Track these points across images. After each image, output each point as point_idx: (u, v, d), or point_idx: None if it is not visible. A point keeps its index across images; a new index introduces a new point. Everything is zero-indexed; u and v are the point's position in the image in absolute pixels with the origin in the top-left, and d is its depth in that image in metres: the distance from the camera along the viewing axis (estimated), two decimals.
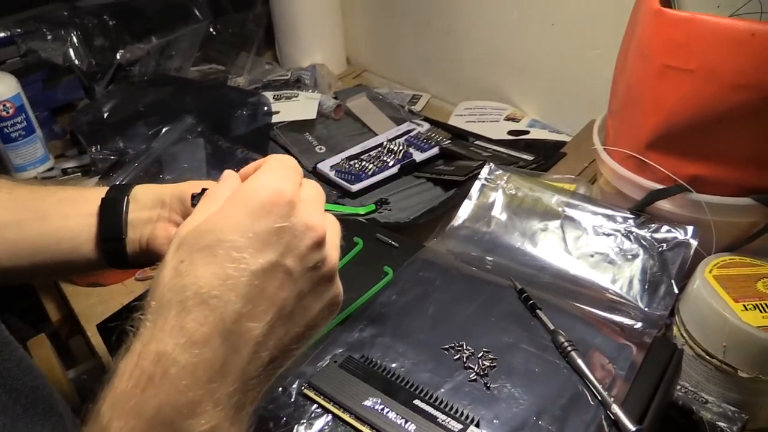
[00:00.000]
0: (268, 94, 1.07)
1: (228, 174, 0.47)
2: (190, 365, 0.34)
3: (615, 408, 0.48)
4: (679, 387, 0.59)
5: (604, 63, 0.73)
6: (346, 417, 0.50)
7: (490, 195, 0.73)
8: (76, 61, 1.25)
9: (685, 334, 0.59)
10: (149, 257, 0.56)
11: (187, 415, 0.34)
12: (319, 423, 0.51)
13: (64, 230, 0.55)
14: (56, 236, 0.55)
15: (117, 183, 0.58)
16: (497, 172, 0.73)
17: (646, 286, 0.62)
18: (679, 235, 0.62)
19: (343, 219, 0.51)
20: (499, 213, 0.71)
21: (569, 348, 0.53)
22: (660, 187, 0.61)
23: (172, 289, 0.35)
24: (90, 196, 0.56)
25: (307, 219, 0.39)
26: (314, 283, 0.40)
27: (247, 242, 0.36)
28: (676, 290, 0.61)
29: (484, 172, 0.73)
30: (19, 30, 1.20)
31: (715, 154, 0.58)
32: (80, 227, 0.55)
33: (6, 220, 0.54)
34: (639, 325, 0.59)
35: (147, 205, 0.56)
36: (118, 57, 1.27)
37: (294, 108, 1.04)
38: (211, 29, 1.35)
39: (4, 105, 0.98)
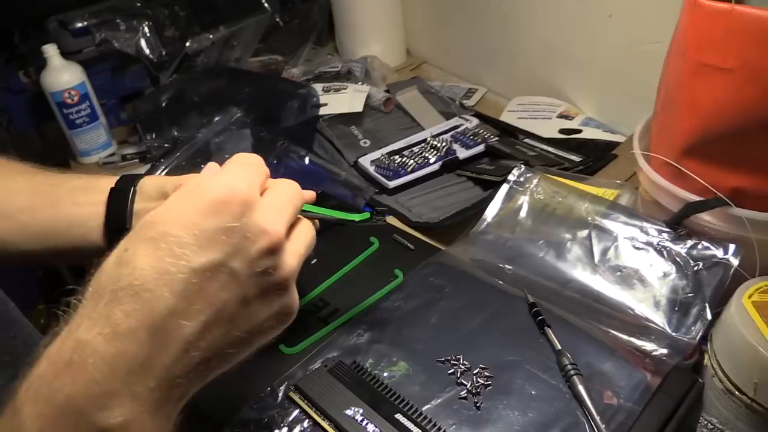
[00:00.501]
0: (318, 86, 1.06)
1: (210, 166, 0.46)
2: (109, 356, 0.33)
3: None
4: (705, 422, 0.54)
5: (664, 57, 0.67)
6: (324, 424, 0.49)
7: (519, 199, 0.68)
8: (147, 51, 1.30)
9: (715, 366, 0.53)
10: None
11: (99, 407, 0.33)
12: (299, 428, 0.50)
13: (74, 217, 0.56)
14: (67, 222, 0.56)
15: (143, 173, 0.59)
16: (527, 175, 0.69)
17: (676, 309, 0.56)
18: (718, 253, 0.56)
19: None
20: (524, 219, 0.67)
21: (572, 372, 0.49)
22: (697, 198, 0.55)
23: (109, 276, 0.35)
24: (102, 186, 0.57)
25: (261, 222, 0.37)
26: (263, 289, 0.38)
27: (192, 239, 0.35)
28: (709, 315, 0.55)
29: (514, 173, 0.69)
30: (94, 20, 1.26)
31: (759, 165, 0.51)
32: (89, 215, 0.56)
33: (22, 204, 0.57)
34: (663, 351, 0.53)
35: (152, 197, 0.56)
36: (186, 47, 1.32)
37: (342, 100, 1.03)
38: (278, 20, 1.37)
39: (70, 93, 1.03)
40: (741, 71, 0.47)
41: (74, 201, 0.57)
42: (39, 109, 1.12)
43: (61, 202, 0.57)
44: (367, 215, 0.54)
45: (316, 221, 0.53)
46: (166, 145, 1.04)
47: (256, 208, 0.38)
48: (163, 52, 1.31)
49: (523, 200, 0.68)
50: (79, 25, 1.26)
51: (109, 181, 0.58)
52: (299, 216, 0.43)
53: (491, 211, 0.68)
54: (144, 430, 0.34)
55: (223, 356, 0.38)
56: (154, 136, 1.05)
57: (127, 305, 0.34)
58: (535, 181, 0.68)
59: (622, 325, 0.56)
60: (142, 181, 0.57)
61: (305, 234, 0.43)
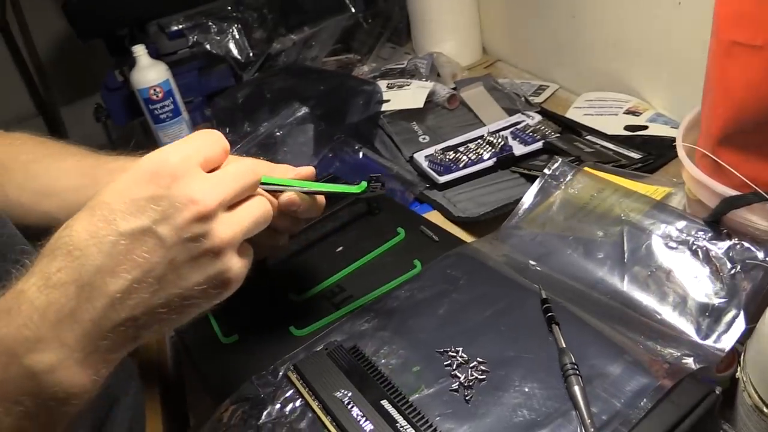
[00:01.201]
0: (383, 83, 1.07)
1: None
2: (40, 305, 0.37)
3: None
4: None
5: None
6: (314, 405, 0.49)
7: (552, 193, 0.65)
8: (235, 52, 1.37)
9: (745, 379, 0.48)
10: None
11: (29, 349, 0.36)
12: (291, 407, 0.50)
13: None
14: None
15: None
16: (563, 169, 0.65)
17: (707, 314, 0.51)
18: (759, 254, 0.50)
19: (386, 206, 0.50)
20: (556, 214, 0.63)
21: (570, 371, 0.46)
22: (735, 193, 0.50)
23: (55, 239, 0.39)
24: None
25: (190, 192, 0.39)
26: (193, 255, 0.40)
27: (122, 206, 0.39)
28: (743, 323, 0.49)
29: (549, 167, 0.66)
30: (188, 24, 1.35)
31: None
32: None
33: (68, 185, 0.63)
34: (689, 360, 0.49)
35: None
36: (271, 47, 1.38)
37: (403, 97, 1.03)
38: (360, 19, 1.39)
39: (155, 89, 1.11)
40: None
41: (112, 179, 0.61)
42: (133, 106, 1.21)
43: (101, 183, 0.61)
44: (364, 186, 0.54)
45: (322, 198, 0.54)
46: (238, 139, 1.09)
47: (186, 178, 0.40)
48: (251, 54, 1.38)
49: (558, 195, 0.65)
50: (175, 28, 1.35)
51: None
52: (258, 192, 0.45)
53: (523, 206, 0.66)
54: (70, 375, 0.37)
55: (153, 316, 0.40)
56: (227, 130, 1.10)
57: (60, 261, 0.38)
58: (570, 176, 0.65)
59: (646, 329, 0.52)
60: None
61: (253, 208, 0.44)
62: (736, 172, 0.48)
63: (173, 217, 0.39)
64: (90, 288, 0.37)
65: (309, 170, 0.54)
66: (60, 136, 0.67)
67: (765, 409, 0.45)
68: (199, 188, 0.40)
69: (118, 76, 1.22)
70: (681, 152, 0.56)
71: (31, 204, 0.63)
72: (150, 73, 1.11)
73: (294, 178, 0.53)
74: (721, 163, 0.50)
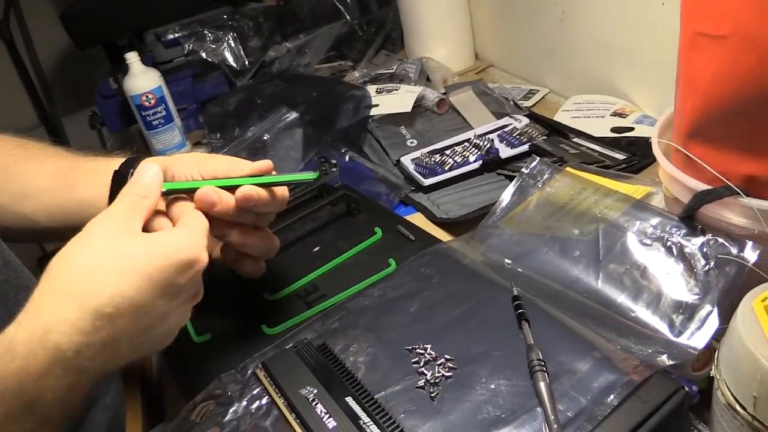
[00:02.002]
0: (372, 88, 1.07)
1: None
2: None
3: None
4: None
5: None
6: (279, 402, 0.49)
7: (530, 193, 0.64)
8: (230, 60, 1.38)
9: (719, 377, 0.47)
10: None
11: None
12: (257, 404, 0.50)
13: (85, 198, 0.61)
14: (79, 204, 0.61)
15: (144, 156, 0.62)
16: (540, 168, 0.65)
17: (681, 311, 0.50)
18: (732, 250, 0.49)
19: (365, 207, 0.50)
20: (533, 213, 0.63)
21: (537, 367, 0.45)
22: (707, 188, 0.49)
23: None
24: (109, 168, 0.61)
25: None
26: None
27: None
28: (717, 320, 0.48)
29: (527, 167, 0.65)
30: (184, 32, 1.36)
31: None
32: (97, 196, 0.61)
33: (45, 186, 0.62)
34: (662, 357, 0.48)
35: None
36: (265, 55, 1.38)
37: (391, 101, 1.03)
38: (356, 27, 1.40)
39: (147, 96, 1.12)
40: (736, 38, 0.42)
41: (86, 183, 0.61)
42: (126, 113, 1.22)
43: (75, 185, 0.62)
44: (317, 174, 0.55)
45: (283, 191, 0.54)
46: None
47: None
48: (246, 62, 1.39)
49: (536, 195, 0.64)
50: (171, 36, 1.36)
51: (116, 163, 0.61)
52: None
53: (500, 205, 0.65)
54: None
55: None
56: (218, 136, 1.11)
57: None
58: (547, 175, 0.64)
59: (618, 326, 0.51)
60: (140, 165, 0.59)
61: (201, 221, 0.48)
62: (707, 166, 0.48)
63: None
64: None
65: (266, 164, 0.54)
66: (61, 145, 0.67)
67: (738, 408, 0.44)
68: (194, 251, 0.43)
69: (112, 84, 1.23)
70: (656, 149, 0.55)
71: (7, 205, 0.63)
72: (142, 80, 1.12)
73: (251, 172, 0.53)
74: (693, 157, 0.49)
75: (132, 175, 0.58)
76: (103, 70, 1.69)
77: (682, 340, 0.49)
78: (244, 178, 0.52)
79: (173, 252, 0.42)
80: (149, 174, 0.48)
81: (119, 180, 0.59)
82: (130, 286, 0.39)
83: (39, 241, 0.69)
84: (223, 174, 0.54)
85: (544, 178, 0.64)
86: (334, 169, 0.55)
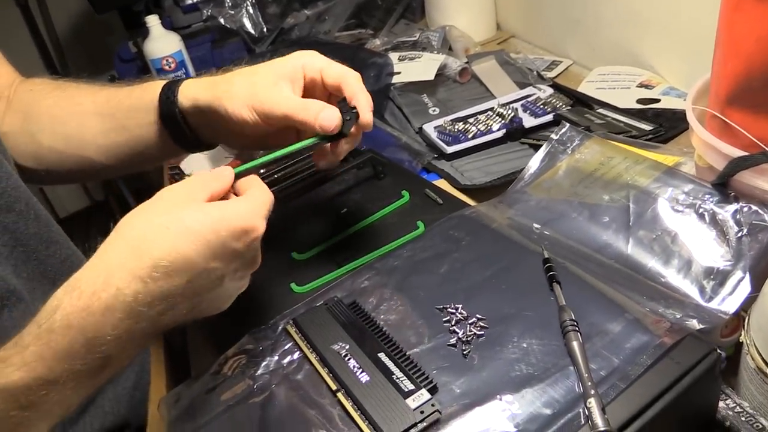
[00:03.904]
0: (394, 55, 1.07)
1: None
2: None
3: (591, 402, 0.40)
4: (733, 405, 0.48)
5: None
6: (311, 357, 0.49)
7: (559, 159, 0.64)
8: (248, 26, 1.37)
9: (749, 342, 0.47)
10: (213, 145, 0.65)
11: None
12: (288, 359, 0.50)
13: (140, 137, 0.63)
14: (135, 141, 0.63)
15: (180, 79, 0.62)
16: (570, 134, 0.64)
17: (712, 277, 0.50)
18: (766, 217, 0.49)
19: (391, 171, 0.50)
20: (562, 179, 0.63)
21: (569, 327, 0.46)
22: (743, 154, 0.49)
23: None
24: (153, 101, 0.61)
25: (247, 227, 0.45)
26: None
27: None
28: (749, 286, 0.48)
29: (556, 132, 0.65)
30: None
31: None
32: (157, 134, 0.62)
33: (96, 130, 0.64)
34: (692, 321, 0.48)
35: (196, 115, 0.59)
36: (284, 22, 1.37)
37: (414, 69, 1.02)
38: None
39: (167, 60, 1.11)
40: None
41: (138, 123, 0.62)
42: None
43: (127, 126, 0.63)
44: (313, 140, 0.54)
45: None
46: None
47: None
48: (264, 29, 1.38)
49: (565, 161, 0.64)
50: (189, 2, 1.35)
51: (155, 93, 0.61)
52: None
53: (529, 170, 0.65)
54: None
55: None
56: None
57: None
58: (577, 141, 0.64)
59: (648, 290, 0.51)
60: (180, 104, 0.59)
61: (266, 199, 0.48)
62: (745, 132, 0.47)
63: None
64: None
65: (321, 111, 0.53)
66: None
67: None
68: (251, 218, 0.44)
69: (131, 47, 1.23)
70: (690, 115, 0.55)
71: (64, 149, 0.64)
72: (163, 43, 1.11)
73: (295, 113, 0.53)
74: (730, 123, 0.49)
75: (179, 111, 0.59)
76: (118, 36, 1.68)
77: (713, 305, 0.49)
78: (261, 159, 0.53)
79: (231, 218, 0.43)
80: (225, 170, 0.49)
81: (170, 115, 0.60)
82: (187, 245, 0.41)
83: (100, 178, 0.72)
84: (270, 107, 0.53)
85: (574, 144, 0.64)
86: (354, 110, 0.54)
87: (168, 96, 0.59)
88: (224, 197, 0.47)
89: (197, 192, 0.45)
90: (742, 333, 0.49)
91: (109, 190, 2.17)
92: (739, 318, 0.52)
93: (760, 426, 0.46)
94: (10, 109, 0.65)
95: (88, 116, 0.64)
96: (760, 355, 0.45)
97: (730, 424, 0.47)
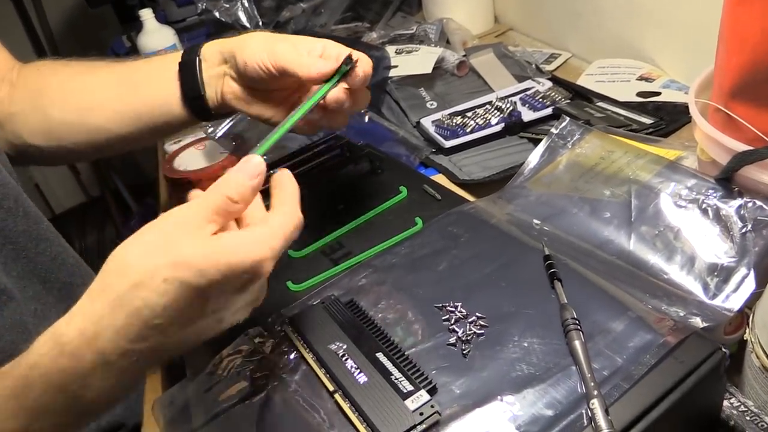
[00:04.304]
0: (391, 49, 1.05)
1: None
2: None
3: (594, 402, 0.40)
4: (738, 404, 0.47)
5: None
6: (308, 357, 0.49)
7: (559, 154, 0.63)
8: (244, 20, 1.35)
9: (754, 340, 0.46)
10: (226, 109, 0.63)
11: None
12: (285, 359, 0.50)
13: (156, 98, 0.63)
14: (151, 104, 0.63)
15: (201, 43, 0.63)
16: (570, 128, 0.63)
17: (716, 274, 0.49)
18: None
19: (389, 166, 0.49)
20: (563, 174, 0.62)
21: (571, 326, 0.45)
22: (747, 148, 0.48)
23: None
24: (170, 65, 0.62)
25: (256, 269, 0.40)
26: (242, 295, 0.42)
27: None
28: (753, 283, 0.48)
29: (556, 126, 0.64)
30: None
31: None
32: (168, 94, 0.62)
33: (111, 95, 0.64)
34: (695, 319, 0.47)
35: (214, 62, 0.61)
36: (280, 15, 1.36)
37: (411, 62, 1.01)
38: None
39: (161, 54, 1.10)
40: None
41: (151, 82, 0.63)
42: None
43: (140, 87, 0.63)
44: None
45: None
46: None
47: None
48: (260, 22, 1.37)
49: (565, 156, 0.63)
50: None
51: (175, 59, 0.62)
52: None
53: (529, 165, 0.64)
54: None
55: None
56: None
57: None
58: (577, 136, 0.63)
59: (651, 287, 0.50)
60: (203, 50, 0.61)
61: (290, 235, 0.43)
62: (750, 126, 0.46)
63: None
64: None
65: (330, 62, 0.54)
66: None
67: None
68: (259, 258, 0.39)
69: (125, 41, 1.22)
70: (693, 109, 0.54)
71: (76, 120, 0.64)
72: (157, 37, 1.10)
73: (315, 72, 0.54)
74: (734, 116, 0.48)
75: (199, 61, 0.60)
76: (112, 30, 1.67)
77: (717, 302, 0.48)
78: (279, 129, 0.52)
79: (239, 265, 0.37)
80: (251, 173, 0.42)
81: (188, 68, 0.60)
82: (185, 300, 0.36)
83: (113, 154, 0.70)
84: (290, 62, 0.55)
85: (574, 139, 0.63)
86: (353, 64, 0.55)
87: (193, 48, 0.61)
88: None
89: (204, 224, 0.39)
90: (747, 330, 0.48)
91: (104, 185, 2.15)
92: (742, 315, 0.51)
93: (765, 425, 0.45)
94: (17, 90, 0.65)
95: (101, 83, 0.64)
96: (765, 353, 0.45)
97: (735, 423, 0.46)
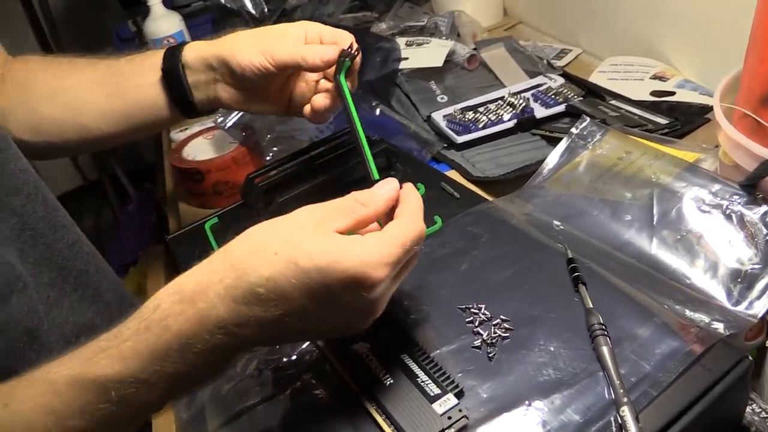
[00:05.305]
0: (401, 41, 1.04)
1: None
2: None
3: (625, 410, 0.40)
4: (759, 410, 0.47)
5: None
6: (331, 357, 0.48)
7: (579, 153, 0.63)
8: (250, 6, 1.34)
9: None
10: (218, 107, 0.66)
11: None
12: (307, 359, 0.49)
13: (143, 100, 0.63)
14: (138, 105, 0.63)
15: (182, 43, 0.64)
16: (591, 129, 0.63)
17: (739, 280, 0.50)
18: None
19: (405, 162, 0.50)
20: (583, 175, 0.61)
21: (598, 331, 0.45)
22: None
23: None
24: (153, 69, 0.62)
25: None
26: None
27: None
28: None
29: (577, 126, 0.64)
30: None
31: None
32: (155, 96, 0.63)
33: (96, 96, 0.64)
34: (719, 326, 0.47)
35: (199, 70, 0.61)
36: (286, 2, 1.34)
37: (422, 55, 1.00)
38: None
39: (169, 40, 1.08)
40: None
41: (137, 85, 0.64)
42: None
43: (126, 89, 0.64)
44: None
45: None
46: None
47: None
48: (265, 9, 1.35)
49: (585, 156, 0.63)
50: None
51: (157, 61, 0.62)
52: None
53: (548, 165, 0.64)
54: None
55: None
56: None
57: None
58: (598, 136, 0.62)
59: (674, 293, 0.50)
60: (184, 56, 0.61)
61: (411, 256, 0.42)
62: None
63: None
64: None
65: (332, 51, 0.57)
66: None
67: None
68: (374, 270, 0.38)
69: (131, 27, 1.20)
70: (719, 113, 0.54)
71: (65, 118, 0.64)
72: (164, 23, 1.08)
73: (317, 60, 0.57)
74: (764, 123, 0.47)
75: (182, 66, 0.61)
76: (113, 14, 1.64)
77: (740, 308, 0.48)
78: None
79: (343, 262, 0.37)
80: (380, 185, 0.44)
81: (172, 75, 0.61)
82: (286, 279, 0.37)
83: (106, 148, 0.71)
84: (290, 55, 0.57)
85: (595, 139, 0.63)
86: (354, 52, 0.57)
87: (173, 53, 0.62)
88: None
89: (330, 221, 0.40)
90: None
91: (102, 169, 2.13)
92: (762, 322, 0.51)
93: None
94: (6, 85, 0.65)
95: (87, 83, 0.64)
96: None
97: (756, 429, 0.46)
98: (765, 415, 0.46)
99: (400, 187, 0.44)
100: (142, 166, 2.04)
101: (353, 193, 0.43)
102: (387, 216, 0.43)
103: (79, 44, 1.95)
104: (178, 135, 1.02)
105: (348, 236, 0.39)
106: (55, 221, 0.57)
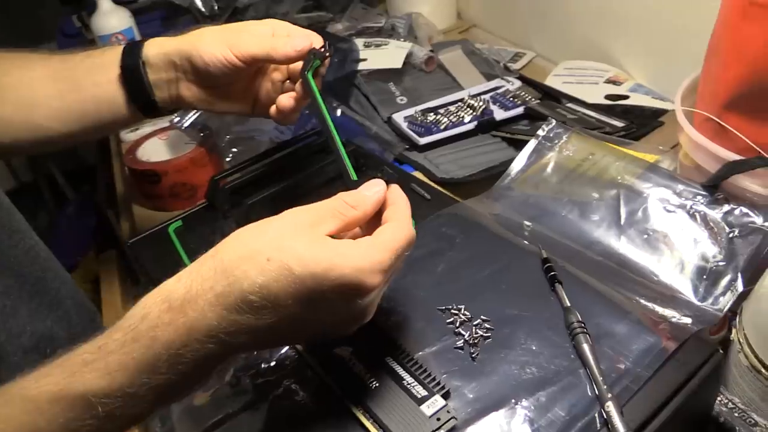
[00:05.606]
0: (360, 42, 1.04)
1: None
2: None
3: (609, 405, 0.41)
4: (726, 401, 0.49)
5: None
6: (312, 362, 0.47)
7: (547, 156, 0.64)
8: (199, 3, 1.30)
9: (742, 340, 0.49)
10: (180, 107, 0.63)
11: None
12: (288, 362, 0.48)
13: (100, 97, 0.60)
14: (94, 103, 0.60)
15: (140, 40, 0.61)
16: (557, 131, 0.65)
17: (704, 277, 0.52)
18: (757, 219, 0.51)
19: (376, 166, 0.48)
20: (550, 176, 0.63)
21: (578, 329, 0.46)
22: (738, 158, 0.50)
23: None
24: (111, 65, 0.59)
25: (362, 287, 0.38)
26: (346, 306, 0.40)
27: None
28: (740, 286, 0.50)
29: (544, 129, 0.65)
30: None
31: None
32: (113, 94, 0.59)
33: (49, 92, 0.60)
34: (687, 321, 0.49)
35: (161, 68, 0.59)
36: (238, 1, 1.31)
37: (381, 56, 1.00)
38: None
39: (117, 37, 1.04)
40: None
41: (94, 82, 0.60)
42: None
43: (82, 86, 0.60)
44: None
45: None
46: None
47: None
48: (215, 6, 1.32)
49: (551, 157, 0.64)
50: None
51: (115, 58, 0.59)
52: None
53: (516, 167, 0.65)
54: None
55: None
56: None
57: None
58: (565, 138, 0.64)
59: (643, 290, 0.52)
60: (145, 53, 0.58)
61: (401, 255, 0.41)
62: (743, 137, 0.49)
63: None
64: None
65: (305, 42, 0.56)
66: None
67: (763, 370, 0.46)
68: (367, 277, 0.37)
69: (76, 22, 1.15)
70: (681, 116, 0.56)
71: (13, 115, 0.60)
72: (112, 19, 1.04)
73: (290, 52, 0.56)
74: (727, 127, 0.50)
75: (143, 64, 0.58)
76: (50, 10, 1.57)
77: (706, 304, 0.50)
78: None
79: (338, 269, 0.37)
80: (368, 186, 0.43)
81: (132, 73, 0.58)
82: (280, 286, 0.36)
83: (57, 149, 0.66)
84: (258, 47, 0.55)
85: (561, 141, 0.64)
86: (329, 50, 0.57)
87: (133, 49, 0.59)
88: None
89: (320, 224, 0.39)
90: (733, 331, 0.50)
91: (37, 170, 2.03)
92: (725, 317, 0.53)
93: (753, 421, 0.47)
94: None
95: (39, 80, 0.60)
96: (753, 352, 0.47)
97: (725, 419, 0.48)
98: (732, 406, 0.49)
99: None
100: (81, 168, 1.95)
101: (341, 194, 0.42)
102: (373, 217, 0.43)
103: (9, 40, 1.86)
104: (129, 135, 0.99)
105: (341, 241, 0.39)
106: (10, 226, 0.54)
